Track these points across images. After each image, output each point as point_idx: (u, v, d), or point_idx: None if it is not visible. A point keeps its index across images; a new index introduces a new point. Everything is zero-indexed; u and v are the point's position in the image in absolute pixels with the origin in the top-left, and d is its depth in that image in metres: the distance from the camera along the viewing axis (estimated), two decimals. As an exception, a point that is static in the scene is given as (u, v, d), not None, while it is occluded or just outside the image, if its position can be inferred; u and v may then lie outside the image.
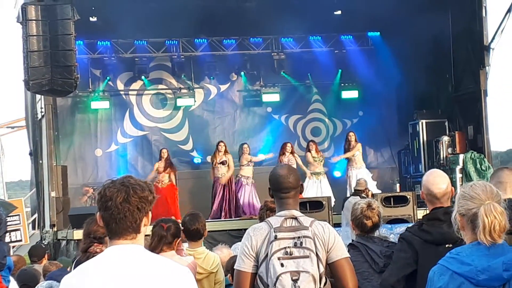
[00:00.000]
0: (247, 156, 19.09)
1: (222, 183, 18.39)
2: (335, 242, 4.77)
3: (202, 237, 7.10)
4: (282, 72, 22.94)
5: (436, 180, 5.37)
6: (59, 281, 7.09)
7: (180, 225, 6.75)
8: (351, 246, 6.00)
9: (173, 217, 7.41)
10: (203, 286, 6.91)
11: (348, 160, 19.32)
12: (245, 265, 4.74)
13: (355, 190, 15.35)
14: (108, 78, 22.25)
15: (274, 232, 4.69)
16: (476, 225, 3.91)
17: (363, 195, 14.68)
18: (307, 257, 4.64)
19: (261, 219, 6.99)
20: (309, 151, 19.27)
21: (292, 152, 18.94)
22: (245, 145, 19.46)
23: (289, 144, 19.21)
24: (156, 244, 5.81)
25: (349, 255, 4.85)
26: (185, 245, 7.26)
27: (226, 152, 18.75)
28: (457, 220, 4.02)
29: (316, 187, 18.65)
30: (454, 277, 3.92)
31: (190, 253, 6.94)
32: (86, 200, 21.03)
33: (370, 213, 6.15)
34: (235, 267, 4.82)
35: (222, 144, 18.92)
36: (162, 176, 18.81)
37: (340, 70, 23.18)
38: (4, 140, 31.18)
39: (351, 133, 19.55)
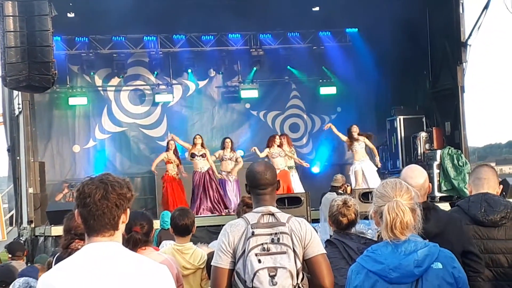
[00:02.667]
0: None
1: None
2: (312, 238, 4.79)
3: (191, 233, 7.11)
4: (254, 68, 22.89)
5: (414, 174, 5.43)
6: (32, 277, 7.09)
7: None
8: (328, 243, 6.01)
9: (144, 210, 7.31)
10: (189, 282, 6.91)
11: (353, 154, 18.64)
12: (222, 261, 4.75)
13: (331, 186, 15.30)
14: (92, 73, 22.19)
15: (251, 228, 4.70)
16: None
17: (340, 191, 14.68)
18: (284, 253, 4.67)
19: (238, 214, 7.01)
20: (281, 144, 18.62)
21: (280, 145, 18.51)
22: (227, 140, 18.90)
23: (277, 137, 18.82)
24: (132, 249, 5.75)
25: (325, 252, 4.88)
26: (171, 242, 7.26)
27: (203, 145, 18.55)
28: (373, 217, 4.11)
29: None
30: (369, 275, 4.00)
31: (178, 248, 6.94)
32: (60, 198, 20.93)
33: (346, 210, 6.15)
34: (212, 263, 4.82)
35: (198, 137, 18.67)
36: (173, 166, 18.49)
37: (324, 67, 23.23)
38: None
39: (354, 126, 18.60)
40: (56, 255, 6.07)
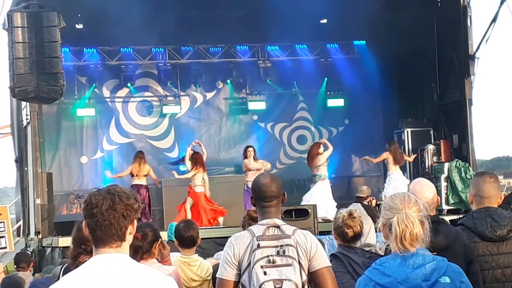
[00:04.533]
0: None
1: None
2: (317, 251, 4.79)
3: (196, 245, 7.11)
4: (268, 80, 23.00)
5: (423, 189, 5.39)
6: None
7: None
8: (333, 257, 5.93)
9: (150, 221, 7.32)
10: (196, 293, 6.94)
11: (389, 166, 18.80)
12: (227, 274, 4.75)
13: (356, 197, 14.97)
14: (94, 85, 22.24)
15: (257, 240, 4.71)
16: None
17: (365, 202, 14.41)
18: (290, 265, 4.67)
19: (243, 228, 7.00)
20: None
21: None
22: (250, 148, 18.56)
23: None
24: (133, 256, 5.68)
25: (330, 264, 4.87)
26: (176, 254, 7.25)
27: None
28: (381, 230, 4.10)
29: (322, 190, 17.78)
30: None
31: (184, 260, 6.94)
32: (65, 209, 20.92)
33: (352, 222, 6.07)
34: (217, 275, 4.83)
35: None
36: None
37: (326, 79, 23.26)
38: (-11, 147, 31.08)
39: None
40: (64, 266, 6.05)
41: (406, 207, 4.03)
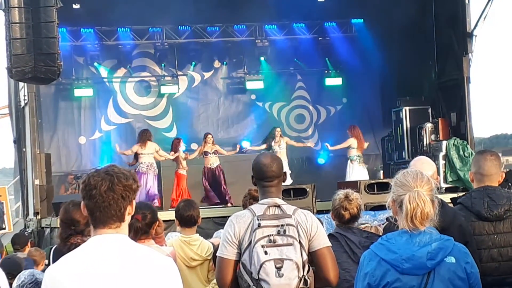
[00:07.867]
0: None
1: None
2: (318, 231, 4.81)
3: (196, 224, 7.12)
4: (261, 59, 22.91)
5: (422, 166, 5.37)
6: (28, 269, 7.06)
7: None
8: (330, 237, 5.94)
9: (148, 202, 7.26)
10: (197, 272, 6.93)
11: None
12: (227, 253, 4.77)
13: None
14: (99, 64, 22.23)
15: (258, 220, 4.72)
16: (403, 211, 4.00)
17: None
18: (290, 245, 4.68)
19: (244, 207, 7.01)
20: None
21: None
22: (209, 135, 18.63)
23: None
24: (133, 238, 5.69)
25: (331, 244, 4.89)
26: (175, 234, 7.25)
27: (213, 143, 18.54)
28: (391, 206, 4.09)
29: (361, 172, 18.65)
30: (381, 263, 3.98)
31: (185, 240, 6.94)
32: (63, 190, 20.95)
33: (348, 204, 6.07)
34: (217, 254, 4.84)
35: (210, 136, 18.61)
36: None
37: (327, 59, 23.22)
38: (-13, 128, 31.05)
39: None
40: (54, 248, 5.99)
41: (418, 185, 4.01)
